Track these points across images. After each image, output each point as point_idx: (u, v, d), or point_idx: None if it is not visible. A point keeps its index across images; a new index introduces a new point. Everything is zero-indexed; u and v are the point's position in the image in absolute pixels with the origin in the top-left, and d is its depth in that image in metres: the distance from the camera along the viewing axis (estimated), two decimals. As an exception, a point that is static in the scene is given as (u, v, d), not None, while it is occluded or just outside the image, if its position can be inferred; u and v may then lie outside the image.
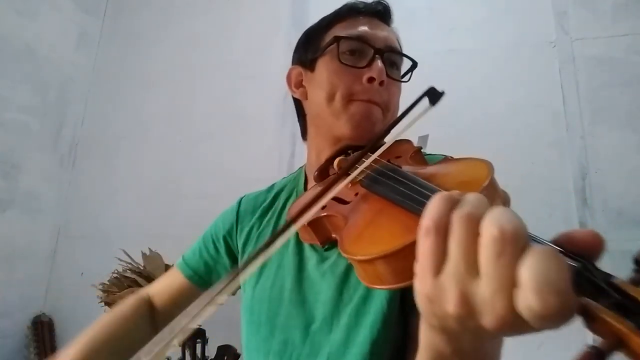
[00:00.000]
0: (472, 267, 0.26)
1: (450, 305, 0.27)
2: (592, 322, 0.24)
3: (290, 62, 0.77)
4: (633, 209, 1.40)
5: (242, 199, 0.81)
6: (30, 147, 1.84)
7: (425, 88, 0.49)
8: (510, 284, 0.24)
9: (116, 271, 1.47)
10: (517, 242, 0.25)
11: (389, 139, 0.53)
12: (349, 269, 0.59)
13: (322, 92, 0.66)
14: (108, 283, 1.45)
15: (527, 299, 0.23)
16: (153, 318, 0.76)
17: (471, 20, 1.71)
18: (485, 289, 0.26)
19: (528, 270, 0.23)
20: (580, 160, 1.47)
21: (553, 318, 0.23)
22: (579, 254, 0.26)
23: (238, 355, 1.29)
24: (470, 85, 1.62)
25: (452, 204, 0.29)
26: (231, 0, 2.08)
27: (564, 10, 1.62)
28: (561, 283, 0.22)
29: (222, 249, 0.77)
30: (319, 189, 0.65)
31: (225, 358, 1.32)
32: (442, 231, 0.28)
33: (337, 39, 0.65)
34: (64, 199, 1.99)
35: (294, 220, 0.42)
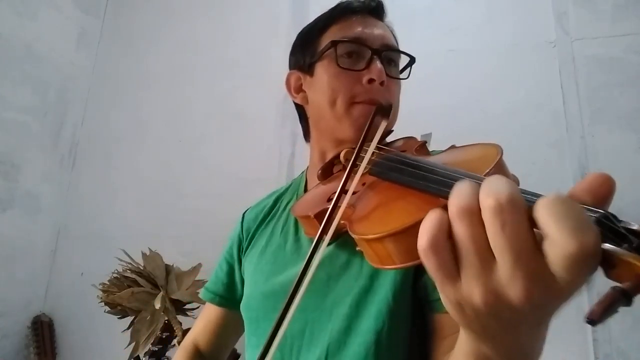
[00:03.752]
0: (485, 256, 0.26)
1: (480, 302, 0.27)
2: (613, 267, 0.23)
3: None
4: (633, 209, 1.40)
5: (244, 212, 0.83)
6: (30, 147, 1.84)
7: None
8: (525, 248, 0.24)
9: (116, 271, 1.47)
10: (516, 205, 0.24)
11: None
12: (349, 259, 0.59)
13: (324, 96, 0.66)
14: (108, 283, 1.45)
15: (559, 245, 0.23)
16: None
17: (471, 21, 1.71)
18: (504, 268, 0.25)
19: (547, 219, 0.23)
20: (580, 160, 1.47)
21: (589, 256, 0.22)
22: (593, 204, 0.25)
23: (238, 355, 1.29)
24: (470, 85, 1.61)
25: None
26: (231, 0, 2.08)
27: (564, 10, 1.62)
28: (583, 215, 0.22)
29: (236, 265, 0.79)
30: (322, 186, 0.65)
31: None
32: (443, 242, 0.27)
33: (334, 44, 0.65)
34: (64, 199, 1.99)
35: (330, 217, 0.42)
